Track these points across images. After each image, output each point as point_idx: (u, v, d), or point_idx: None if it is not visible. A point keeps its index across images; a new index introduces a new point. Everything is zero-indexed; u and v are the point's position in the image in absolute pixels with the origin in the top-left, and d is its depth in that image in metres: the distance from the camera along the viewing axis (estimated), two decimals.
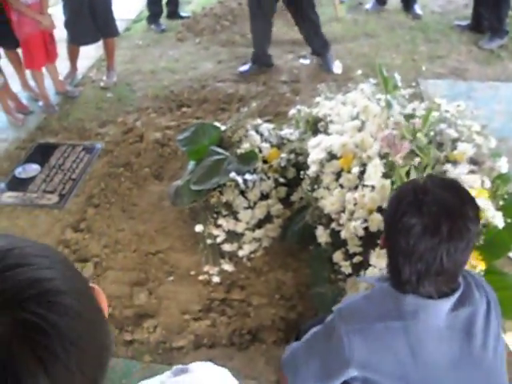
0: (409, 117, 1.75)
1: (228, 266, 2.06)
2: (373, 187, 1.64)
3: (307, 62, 3.83)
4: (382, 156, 1.65)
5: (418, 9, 4.46)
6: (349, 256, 1.75)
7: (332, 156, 1.95)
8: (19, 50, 3.21)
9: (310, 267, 2.01)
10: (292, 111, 2.96)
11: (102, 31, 3.41)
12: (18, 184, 2.60)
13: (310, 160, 1.99)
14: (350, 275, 1.73)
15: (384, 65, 3.60)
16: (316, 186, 1.94)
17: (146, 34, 4.46)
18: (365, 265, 1.70)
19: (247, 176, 2.11)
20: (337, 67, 2.44)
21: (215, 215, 2.07)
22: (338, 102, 2.36)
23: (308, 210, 1.94)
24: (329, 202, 1.85)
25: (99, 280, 2.08)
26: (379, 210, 1.64)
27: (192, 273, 2.09)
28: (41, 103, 3.33)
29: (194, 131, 2.39)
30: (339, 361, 1.01)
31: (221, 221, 2.05)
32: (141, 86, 3.61)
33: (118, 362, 1.78)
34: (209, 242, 2.07)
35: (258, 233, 2.10)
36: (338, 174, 1.90)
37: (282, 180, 2.20)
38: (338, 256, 1.76)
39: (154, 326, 1.90)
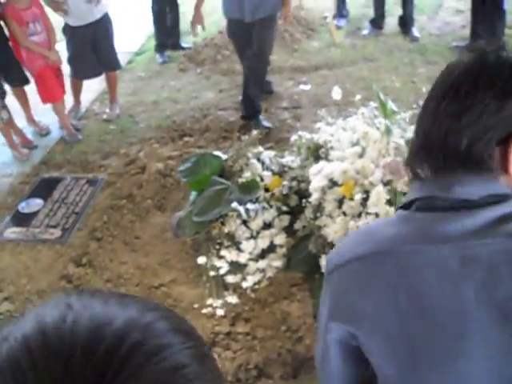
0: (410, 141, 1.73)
1: (232, 298, 2.02)
2: (377, 214, 1.61)
3: (308, 87, 3.86)
4: (385, 183, 1.63)
5: (415, 31, 4.52)
6: None
7: (333, 183, 1.93)
8: (26, 88, 3.31)
9: (315, 297, 1.96)
10: (293, 137, 2.98)
11: (105, 65, 3.47)
12: (21, 219, 2.60)
13: (311, 187, 1.98)
14: None
15: (383, 88, 3.68)
16: (319, 214, 1.92)
17: (149, 67, 4.54)
18: None
19: (249, 205, 2.09)
20: (336, 93, 2.44)
21: (218, 246, 2.05)
22: (339, 128, 2.36)
23: (311, 239, 1.91)
24: (332, 230, 1.82)
25: None
26: None
27: (195, 306, 2.06)
28: (64, 133, 3.38)
29: (194, 161, 2.38)
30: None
31: (223, 252, 2.03)
32: (143, 117, 3.65)
33: None
34: (212, 273, 2.04)
35: (262, 263, 2.07)
36: (341, 202, 1.88)
37: (284, 208, 2.18)
38: None
39: None
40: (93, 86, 4.00)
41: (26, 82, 3.28)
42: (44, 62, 3.06)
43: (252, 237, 2.05)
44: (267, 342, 1.91)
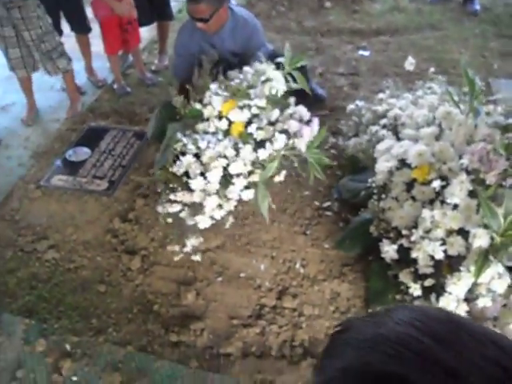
0: (505, 128, 1.56)
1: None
2: (455, 206, 1.47)
3: (367, 53, 3.61)
4: (470, 171, 1.48)
5: (476, 3, 4.13)
6: (418, 276, 1.60)
7: (403, 164, 1.79)
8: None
9: (369, 282, 1.87)
10: (350, 106, 2.80)
11: (158, 14, 3.31)
12: (68, 167, 2.57)
13: (377, 168, 1.84)
14: (417, 297, 1.59)
15: (451, 60, 3.41)
16: (383, 196, 1.79)
17: None
18: (436, 288, 1.56)
19: (198, 136, 1.90)
20: (409, 63, 2.24)
21: (167, 191, 1.93)
22: (409, 102, 2.18)
23: (373, 222, 1.80)
24: (397, 214, 1.70)
25: (146, 274, 2.02)
26: (460, 232, 1.48)
27: (242, 275, 2.00)
28: (115, 85, 3.31)
29: (155, 116, 2.37)
30: None
31: (172, 196, 1.90)
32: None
33: (163, 363, 1.72)
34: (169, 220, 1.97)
35: (215, 198, 1.87)
36: (410, 185, 1.74)
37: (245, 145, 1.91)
38: (405, 275, 1.62)
39: (201, 329, 1.82)
40: (142, 35, 3.84)
41: (86, 30, 3.18)
42: (108, 12, 2.92)
43: (204, 173, 1.87)
44: (314, 320, 1.85)
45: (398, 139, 1.96)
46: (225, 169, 1.90)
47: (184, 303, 1.91)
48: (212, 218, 1.95)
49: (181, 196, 1.93)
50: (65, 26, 3.19)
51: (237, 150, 1.91)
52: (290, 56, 2.17)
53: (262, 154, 1.88)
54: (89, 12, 3.15)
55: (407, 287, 1.61)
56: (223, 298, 1.92)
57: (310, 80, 3.12)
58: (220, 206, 1.94)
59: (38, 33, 2.66)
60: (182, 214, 1.98)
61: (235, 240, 2.13)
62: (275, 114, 2.01)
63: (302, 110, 2.04)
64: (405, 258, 1.65)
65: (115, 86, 3.32)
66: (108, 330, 1.83)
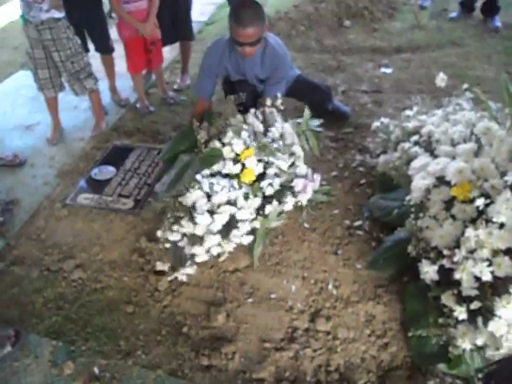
0: None
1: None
2: (502, 225, 1.41)
3: (389, 71, 3.60)
4: None
5: (497, 20, 4.10)
6: (461, 299, 1.53)
7: (441, 182, 1.74)
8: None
9: (406, 304, 1.80)
10: (375, 123, 2.77)
11: (180, 34, 3.36)
12: (93, 186, 2.56)
13: (413, 185, 1.79)
14: (462, 321, 1.52)
15: (476, 77, 3.37)
16: (421, 214, 1.74)
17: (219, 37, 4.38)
18: (482, 312, 1.49)
19: (214, 180, 1.98)
20: (440, 79, 2.21)
21: (171, 220, 1.98)
22: (441, 119, 2.14)
23: (411, 241, 1.74)
24: (437, 234, 1.64)
25: (174, 295, 1.98)
26: (507, 252, 1.42)
27: (273, 296, 1.94)
28: (139, 105, 3.35)
29: (173, 139, 2.37)
30: None
31: (175, 226, 1.95)
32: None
33: None
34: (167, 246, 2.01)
35: (217, 238, 1.93)
36: (449, 203, 1.69)
37: (254, 197, 1.99)
38: (448, 298, 1.55)
39: (232, 352, 1.76)
40: (164, 55, 3.90)
41: (109, 51, 3.24)
42: (132, 33, 2.98)
43: (211, 212, 1.93)
44: (349, 344, 1.77)
45: (433, 156, 1.92)
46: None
47: (214, 325, 1.86)
48: (209, 253, 1.97)
49: (187, 226, 1.95)
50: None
51: (246, 198, 1.98)
52: (307, 117, 2.37)
53: (268, 209, 1.97)
54: (114, 32, 3.20)
55: (450, 310, 1.54)
56: (254, 320, 1.87)
57: (333, 98, 3.11)
58: (220, 245, 1.96)
59: (67, 54, 2.70)
60: (181, 243, 1.99)
61: (265, 260, 2.08)
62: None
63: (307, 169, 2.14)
64: (446, 280, 1.59)
65: (138, 105, 3.34)
66: (137, 353, 1.79)
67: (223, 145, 2.10)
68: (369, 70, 3.63)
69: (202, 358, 1.74)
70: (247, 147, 2.08)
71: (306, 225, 2.19)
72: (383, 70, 3.61)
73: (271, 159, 2.10)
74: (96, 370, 1.73)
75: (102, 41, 3.16)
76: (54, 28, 2.61)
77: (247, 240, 2.00)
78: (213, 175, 2.08)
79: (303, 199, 2.06)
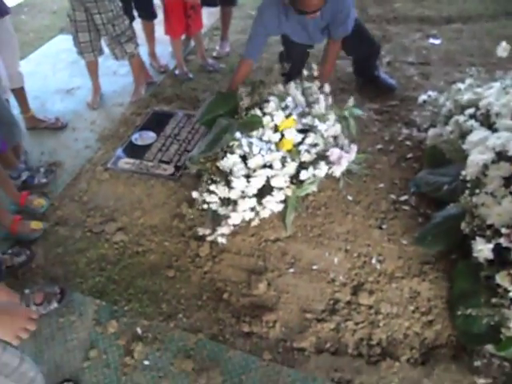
0: None
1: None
2: None
3: (438, 42, 3.42)
4: None
5: None
6: None
7: (501, 157, 1.65)
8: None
9: (455, 282, 1.75)
10: (422, 97, 2.65)
11: None
12: (134, 151, 2.56)
13: (470, 160, 1.70)
14: None
15: None
16: (477, 190, 1.66)
17: (259, 4, 4.24)
18: None
19: (254, 140, 1.93)
20: (503, 49, 2.07)
21: (209, 181, 1.97)
22: (500, 91, 2.02)
23: (465, 218, 1.66)
24: (494, 211, 1.56)
25: (215, 261, 1.98)
26: None
27: (314, 267, 1.91)
28: (177, 71, 3.31)
29: (212, 101, 2.31)
30: None
31: (212, 187, 1.94)
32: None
33: (235, 354, 1.66)
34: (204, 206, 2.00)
35: (252, 201, 1.91)
36: (508, 180, 1.60)
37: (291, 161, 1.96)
38: (503, 277, 1.49)
39: (273, 320, 1.76)
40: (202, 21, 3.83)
41: (152, 17, 3.18)
42: None
43: (247, 176, 1.90)
44: (392, 319, 1.74)
45: (491, 130, 1.82)
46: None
47: (255, 293, 1.85)
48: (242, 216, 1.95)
49: (222, 191, 1.94)
50: None
51: (283, 163, 1.94)
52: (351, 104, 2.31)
53: (304, 175, 1.94)
54: None
55: (505, 290, 1.48)
56: (295, 290, 1.85)
57: (379, 68, 2.99)
58: (253, 210, 1.95)
59: (108, 16, 2.66)
60: (215, 205, 1.99)
61: (307, 231, 2.04)
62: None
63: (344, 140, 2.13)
64: (501, 259, 1.52)
65: (177, 72, 3.30)
66: (178, 316, 1.80)
67: (264, 114, 2.06)
68: (416, 40, 3.46)
69: (243, 325, 1.75)
70: (288, 115, 2.04)
71: (350, 197, 2.14)
72: (431, 40, 3.43)
73: (312, 121, 2.06)
74: (139, 330, 1.76)
75: (146, 7, 3.09)
76: None
77: (278, 208, 1.97)
78: (250, 136, 2.02)
79: (337, 171, 2.00)
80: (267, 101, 2.09)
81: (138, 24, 3.24)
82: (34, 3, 4.78)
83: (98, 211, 2.27)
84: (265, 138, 1.99)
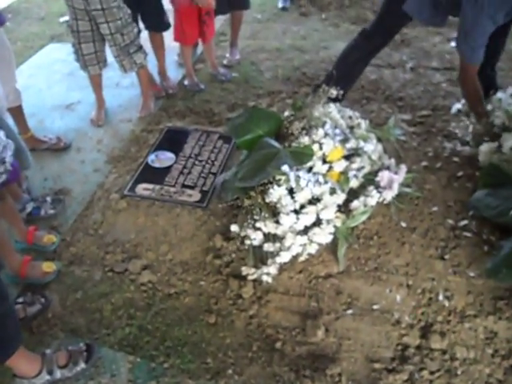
0: None
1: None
2: None
3: (453, 44, 3.26)
4: None
5: None
6: None
7: None
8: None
9: None
10: (456, 106, 2.49)
11: (234, 2, 3.02)
12: (152, 174, 2.30)
13: None
14: None
15: None
16: None
17: (264, 8, 4.05)
18: None
19: (301, 173, 1.77)
20: None
21: (256, 217, 1.80)
22: None
23: None
24: None
25: (260, 304, 1.75)
26: None
27: (375, 307, 1.70)
28: (187, 81, 3.06)
29: (247, 117, 2.08)
30: None
31: (259, 224, 1.77)
32: (268, 66, 3.22)
33: None
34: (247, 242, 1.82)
35: (302, 239, 1.76)
36: None
37: (340, 191, 1.82)
38: None
39: (337, 373, 1.54)
40: None
41: (164, 28, 2.86)
42: (186, 1, 2.66)
43: (295, 211, 1.77)
44: (471, 365, 1.54)
45: None
46: None
47: (312, 340, 1.63)
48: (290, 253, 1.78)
49: (270, 227, 1.77)
50: None
51: (331, 194, 1.79)
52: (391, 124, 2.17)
53: (355, 204, 1.82)
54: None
55: None
56: (357, 336, 1.64)
57: None
58: (301, 245, 1.78)
59: (117, 25, 2.40)
60: (258, 241, 1.81)
61: (361, 264, 1.83)
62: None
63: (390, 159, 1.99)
64: None
65: (187, 83, 3.05)
66: (227, 372, 1.57)
67: (313, 141, 1.86)
68: (436, 44, 3.30)
69: (305, 381, 1.52)
70: (335, 147, 1.86)
71: (404, 224, 1.94)
72: (453, 43, 3.27)
73: (356, 144, 1.92)
74: None
75: (157, 16, 2.77)
76: None
77: (327, 240, 1.80)
78: (298, 169, 1.84)
79: (388, 196, 1.83)
80: (315, 126, 1.88)
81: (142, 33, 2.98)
82: (18, 9, 4.44)
83: (118, 246, 2.01)
84: (315, 169, 1.80)
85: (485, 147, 2.04)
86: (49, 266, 1.91)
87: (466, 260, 1.81)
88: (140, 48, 2.59)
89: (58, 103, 2.99)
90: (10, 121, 2.42)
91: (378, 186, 1.86)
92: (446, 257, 1.82)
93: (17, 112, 2.46)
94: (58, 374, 1.55)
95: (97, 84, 2.74)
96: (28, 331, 1.72)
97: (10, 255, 1.87)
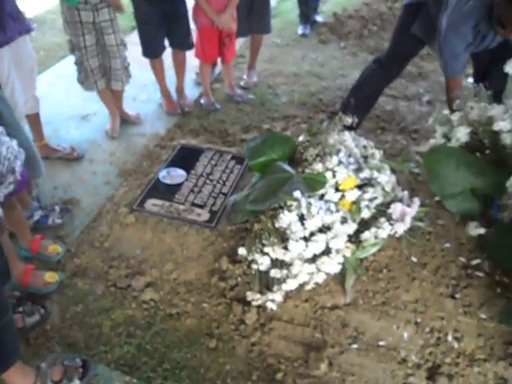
0: None
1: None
2: None
3: (471, 80, 3.26)
4: None
5: None
6: None
7: None
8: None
9: None
10: None
11: (256, 26, 3.06)
12: (162, 190, 2.29)
13: None
14: None
15: None
16: None
17: (283, 33, 4.10)
18: None
19: (312, 200, 1.76)
20: None
21: (264, 241, 1.78)
22: None
23: None
24: None
25: (263, 331, 1.70)
26: None
27: (381, 343, 1.65)
28: (203, 100, 3.08)
29: (262, 140, 2.08)
30: None
31: (267, 249, 1.76)
32: (284, 90, 3.23)
33: None
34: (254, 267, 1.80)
35: (310, 267, 1.73)
36: None
37: (352, 221, 1.80)
38: None
39: None
40: None
41: (188, 46, 2.88)
42: (207, 22, 2.71)
43: (304, 238, 1.74)
44: None
45: None
46: None
47: (315, 373, 1.57)
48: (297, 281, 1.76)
49: (278, 253, 1.74)
50: None
51: (343, 223, 1.77)
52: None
53: (366, 236, 1.79)
54: None
55: None
56: (362, 372, 1.58)
57: None
58: (308, 274, 1.75)
59: (121, 36, 2.47)
60: (263, 266, 1.78)
61: (369, 298, 1.79)
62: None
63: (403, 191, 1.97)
64: None
65: (203, 101, 3.07)
66: None
67: (326, 169, 1.85)
68: None
69: None
70: (349, 176, 1.85)
71: (414, 259, 1.90)
72: (470, 79, 3.27)
73: (370, 174, 1.90)
74: None
75: (183, 35, 2.80)
76: (110, 6, 2.35)
77: (335, 269, 1.76)
78: (310, 195, 1.82)
79: (399, 229, 1.80)
80: (329, 154, 1.88)
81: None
82: (45, 19, 4.55)
83: (123, 261, 1.99)
84: (327, 197, 1.79)
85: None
86: (51, 277, 1.89)
87: (477, 301, 1.76)
88: (129, 63, 2.68)
89: (74, 113, 3.02)
90: (25, 127, 2.45)
91: (389, 218, 1.84)
92: (457, 296, 1.77)
93: (34, 119, 2.48)
94: None
95: (106, 98, 2.77)
96: (25, 342, 1.69)
97: (14, 263, 1.84)
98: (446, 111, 2.27)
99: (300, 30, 4.04)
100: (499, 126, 1.98)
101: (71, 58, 3.76)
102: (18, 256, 1.90)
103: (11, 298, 1.82)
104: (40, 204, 2.22)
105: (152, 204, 2.21)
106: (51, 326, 1.75)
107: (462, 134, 2.09)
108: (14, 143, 1.59)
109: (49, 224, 2.17)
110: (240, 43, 3.70)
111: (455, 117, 2.17)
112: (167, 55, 2.92)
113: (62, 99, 3.18)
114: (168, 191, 2.28)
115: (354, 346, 1.65)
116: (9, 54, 2.02)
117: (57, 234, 2.13)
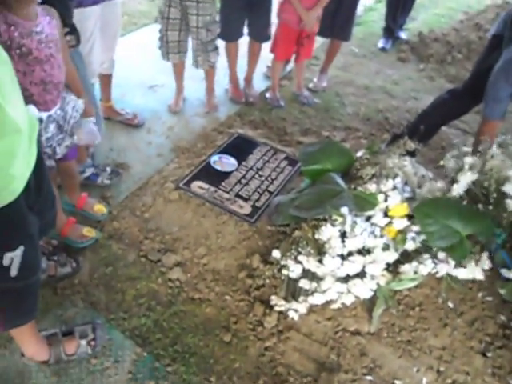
0: None
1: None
2: None
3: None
4: None
5: None
6: None
7: None
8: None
9: None
10: None
11: (336, 31, 3.00)
12: (211, 175, 2.30)
13: None
14: None
15: None
16: None
17: (363, 43, 4.00)
18: None
19: (358, 220, 1.71)
20: None
21: (300, 250, 1.73)
22: None
23: None
24: None
25: (280, 339, 1.67)
26: None
27: (397, 382, 1.58)
28: (269, 94, 3.07)
29: (321, 148, 2.03)
30: None
31: (302, 257, 1.71)
32: (352, 101, 3.16)
33: None
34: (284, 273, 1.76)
35: (341, 286, 1.69)
36: None
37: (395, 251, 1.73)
38: None
39: None
40: None
41: (266, 38, 2.87)
42: (291, 20, 2.68)
43: (342, 256, 1.70)
44: None
45: None
46: None
47: None
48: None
49: (312, 264, 1.70)
50: None
51: (384, 250, 1.72)
52: None
53: (405, 268, 1.73)
54: None
55: None
56: None
57: None
58: (339, 294, 1.71)
59: (205, 20, 2.46)
60: (294, 274, 1.74)
61: (394, 332, 1.71)
62: None
63: None
64: None
65: (268, 95, 3.05)
66: None
67: (379, 191, 1.79)
68: None
69: None
70: (401, 203, 1.78)
71: (451, 304, 1.80)
72: None
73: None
74: None
75: (262, 27, 2.79)
76: None
77: (366, 295, 1.71)
78: (356, 214, 1.77)
79: (442, 270, 1.72)
80: (386, 176, 1.81)
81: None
82: None
83: (159, 235, 2.01)
84: (373, 220, 1.72)
85: None
86: (89, 231, 1.95)
87: (509, 364, 1.64)
88: (216, 48, 2.66)
89: (143, 82, 3.09)
90: (96, 86, 2.52)
91: (434, 256, 1.76)
92: (489, 354, 1.66)
93: (106, 80, 2.55)
94: (64, 357, 1.54)
95: (179, 72, 2.81)
96: (52, 290, 1.75)
97: (58, 213, 1.91)
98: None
99: (381, 44, 3.93)
100: (510, 189, 1.82)
101: (152, 28, 3.86)
102: (61, 207, 1.96)
103: (48, 244, 1.90)
104: (93, 162, 2.28)
105: (198, 186, 2.22)
106: (79, 281, 1.80)
107: (464, 183, 1.89)
108: (80, 102, 1.63)
109: (97, 183, 2.23)
110: (317, 45, 3.64)
111: (468, 160, 2.00)
112: (243, 43, 2.92)
113: (134, 66, 3.25)
114: (216, 177, 2.28)
115: (369, 377, 1.59)
116: (97, 13, 2.08)
117: (102, 195, 2.19)
